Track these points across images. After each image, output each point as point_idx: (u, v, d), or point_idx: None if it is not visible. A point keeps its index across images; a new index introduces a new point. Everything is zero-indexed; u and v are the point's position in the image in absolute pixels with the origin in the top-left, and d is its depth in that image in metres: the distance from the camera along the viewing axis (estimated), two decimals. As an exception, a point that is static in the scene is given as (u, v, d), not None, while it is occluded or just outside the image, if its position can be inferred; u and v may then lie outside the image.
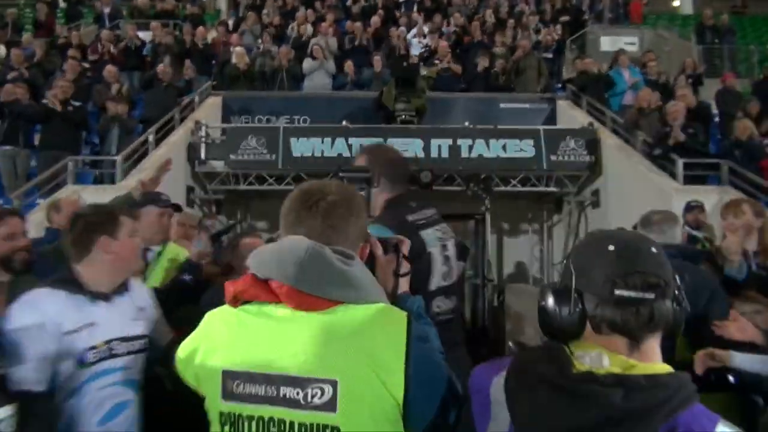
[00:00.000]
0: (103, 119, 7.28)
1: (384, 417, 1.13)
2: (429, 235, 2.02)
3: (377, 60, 9.64)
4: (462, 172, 7.60)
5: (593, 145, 7.51)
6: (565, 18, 12.61)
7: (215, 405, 1.19)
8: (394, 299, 1.39)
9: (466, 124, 7.78)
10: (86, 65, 9.75)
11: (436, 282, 2.01)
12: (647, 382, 0.99)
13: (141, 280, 2.61)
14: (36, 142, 7.22)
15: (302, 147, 7.54)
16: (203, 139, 7.69)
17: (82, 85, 8.39)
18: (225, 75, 9.53)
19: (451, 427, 1.23)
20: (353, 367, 1.11)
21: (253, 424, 1.14)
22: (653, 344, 1.06)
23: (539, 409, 1.04)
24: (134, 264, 2.10)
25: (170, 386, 1.94)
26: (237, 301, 1.22)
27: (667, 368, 1.04)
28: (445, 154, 7.51)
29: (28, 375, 1.73)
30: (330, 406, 1.11)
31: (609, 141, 7.59)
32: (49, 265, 2.40)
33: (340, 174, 1.60)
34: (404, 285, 1.46)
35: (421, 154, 7.50)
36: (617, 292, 1.03)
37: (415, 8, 12.89)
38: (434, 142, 7.54)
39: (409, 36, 11.03)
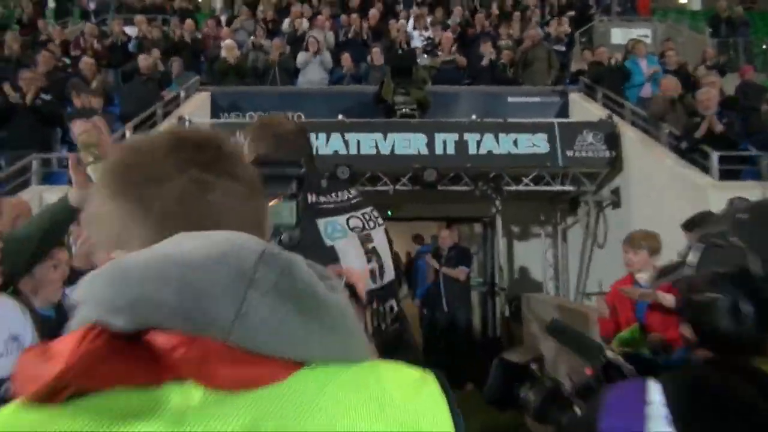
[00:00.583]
0: (68, 113, 6.68)
1: None
2: (335, 223, 1.61)
3: (376, 52, 9.04)
4: (469, 171, 6.97)
5: (613, 139, 6.87)
6: (571, 13, 12.07)
7: None
8: None
9: (473, 117, 7.14)
10: (66, 61, 9.18)
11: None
12: None
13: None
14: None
15: (295, 143, 6.91)
16: (187, 136, 7.06)
17: (58, 79, 7.78)
18: (214, 70, 8.95)
19: None
20: None
21: None
22: None
23: None
24: None
25: None
26: (57, 395, 0.49)
27: None
28: (450, 150, 6.88)
29: None
30: None
31: (630, 134, 6.96)
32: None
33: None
34: None
35: (424, 151, 6.87)
36: None
37: (415, 5, 12.31)
38: (439, 137, 6.91)
39: (409, 28, 10.44)
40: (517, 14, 11.06)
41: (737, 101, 7.38)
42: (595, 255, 7.84)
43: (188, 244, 0.53)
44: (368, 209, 1.75)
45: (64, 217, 1.66)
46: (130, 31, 10.28)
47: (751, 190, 5.16)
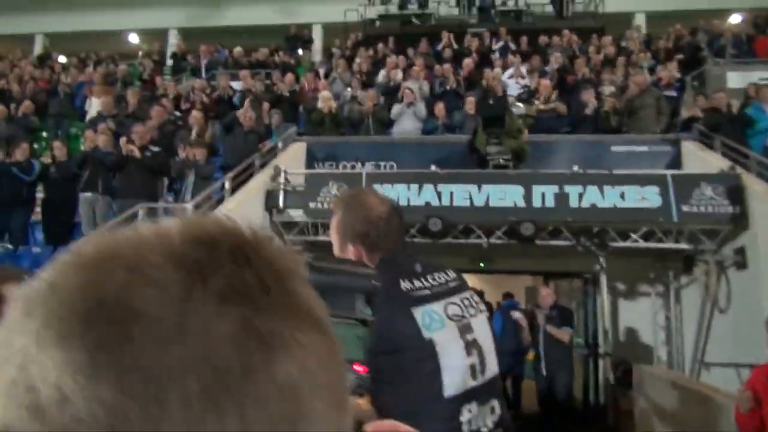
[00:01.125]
0: (176, 164, 7.03)
1: None
2: (432, 312, 1.43)
3: (470, 101, 8.89)
4: (571, 225, 6.52)
5: (736, 193, 6.18)
6: (680, 56, 11.34)
7: None
8: None
9: (575, 168, 6.72)
10: (177, 114, 9.83)
11: (456, 382, 1.38)
12: None
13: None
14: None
15: (387, 194, 6.80)
16: (282, 186, 7.21)
17: (167, 132, 8.30)
18: (311, 121, 9.20)
19: None
20: None
21: None
22: None
23: None
24: None
25: None
26: None
27: None
28: (549, 203, 6.49)
29: None
30: None
31: (756, 187, 6.23)
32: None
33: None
34: None
35: (521, 203, 6.53)
36: None
37: (510, 54, 12.12)
38: (536, 189, 6.55)
39: (504, 77, 10.24)
40: (621, 59, 10.55)
41: None
42: (716, 321, 6.99)
43: None
44: (467, 293, 1.57)
45: None
46: (236, 85, 10.89)
47: None
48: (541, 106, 8.62)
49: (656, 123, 8.09)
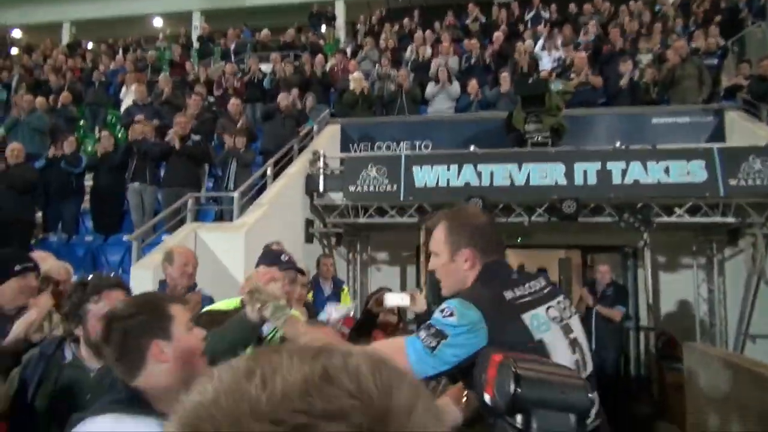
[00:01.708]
0: (222, 154, 7.15)
1: None
2: (537, 316, 1.55)
3: (504, 77, 8.78)
4: (613, 201, 6.47)
5: (786, 165, 6.05)
6: (718, 18, 10.93)
7: None
8: None
9: (617, 144, 6.63)
10: (211, 99, 9.93)
11: None
12: None
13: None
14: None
15: (426, 176, 6.86)
16: (321, 170, 7.29)
17: (206, 120, 8.41)
18: (343, 102, 9.21)
19: None
20: None
21: None
22: None
23: None
24: (200, 366, 1.47)
25: None
26: None
27: None
28: (592, 180, 6.44)
29: None
30: None
31: (806, 159, 6.09)
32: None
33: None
34: None
35: (563, 181, 6.49)
36: None
37: (542, 23, 11.86)
38: (578, 167, 6.49)
39: (536, 49, 10.06)
40: (657, 26, 10.25)
41: None
42: (762, 292, 6.92)
43: None
44: (561, 297, 1.68)
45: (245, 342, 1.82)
46: (265, 68, 10.92)
47: None
48: (579, 80, 8.47)
49: (698, 93, 7.90)
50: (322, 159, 7.34)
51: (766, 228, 6.48)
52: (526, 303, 1.56)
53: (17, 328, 2.37)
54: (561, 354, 1.52)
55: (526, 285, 1.62)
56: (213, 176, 8.25)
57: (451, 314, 1.49)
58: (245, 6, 17.73)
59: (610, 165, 6.41)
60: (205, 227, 5.93)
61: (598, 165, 6.44)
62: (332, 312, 2.99)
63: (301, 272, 2.60)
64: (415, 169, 6.89)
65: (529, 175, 6.60)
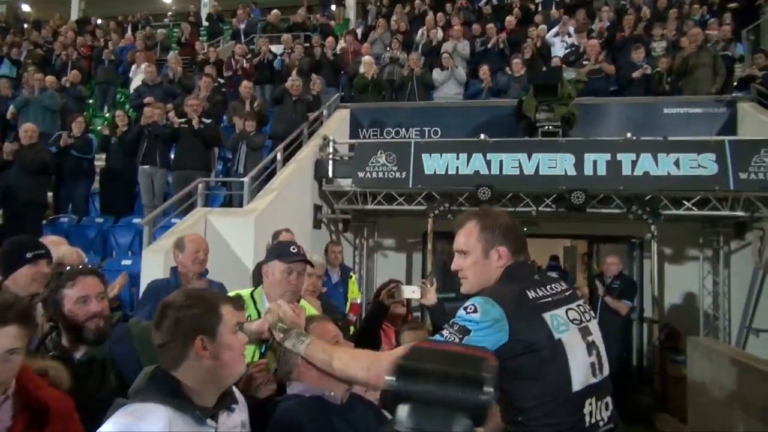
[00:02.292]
0: (232, 137, 7.17)
1: None
2: (557, 317, 1.59)
3: (516, 63, 8.72)
4: (622, 192, 6.47)
5: (798, 160, 6.01)
6: (733, 5, 10.75)
7: None
8: None
9: (629, 135, 6.60)
10: (221, 81, 9.91)
11: (580, 379, 1.55)
12: None
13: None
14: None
15: (435, 164, 6.87)
16: (331, 156, 7.30)
17: (216, 102, 8.41)
18: (354, 87, 9.18)
19: None
20: None
21: None
22: None
23: None
24: (238, 369, 1.53)
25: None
26: None
27: None
28: (601, 171, 6.43)
29: None
30: None
31: (818, 154, 6.04)
32: (127, 341, 2.03)
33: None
34: None
35: (572, 171, 6.49)
36: None
37: (554, 6, 11.71)
38: (588, 158, 6.48)
39: (549, 35, 9.95)
40: (673, 11, 10.10)
41: None
42: (766, 286, 6.94)
43: None
44: (580, 301, 1.73)
45: None
46: (276, 49, 10.87)
47: None
48: (591, 67, 8.39)
49: (712, 83, 7.83)
50: (331, 145, 7.35)
51: (774, 222, 6.48)
52: (547, 303, 1.61)
53: None
54: (579, 355, 1.57)
55: (548, 286, 1.67)
56: (223, 159, 8.29)
57: (475, 311, 1.53)
58: (255, -17, 17.55)
59: (620, 156, 6.40)
60: (215, 212, 5.98)
61: (608, 156, 6.42)
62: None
63: (310, 264, 2.64)
64: (425, 156, 6.90)
65: (538, 164, 6.60)
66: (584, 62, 8.56)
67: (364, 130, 8.66)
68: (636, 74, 8.15)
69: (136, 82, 10.13)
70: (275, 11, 13.28)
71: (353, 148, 7.48)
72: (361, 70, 9.06)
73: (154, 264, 4.94)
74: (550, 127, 7.12)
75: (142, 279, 5.06)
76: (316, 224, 7.25)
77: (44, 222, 6.80)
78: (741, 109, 7.60)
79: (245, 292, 2.62)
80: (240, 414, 1.58)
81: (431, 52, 10.05)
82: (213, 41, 13.73)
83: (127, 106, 10.09)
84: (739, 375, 3.85)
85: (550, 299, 1.63)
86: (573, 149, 6.56)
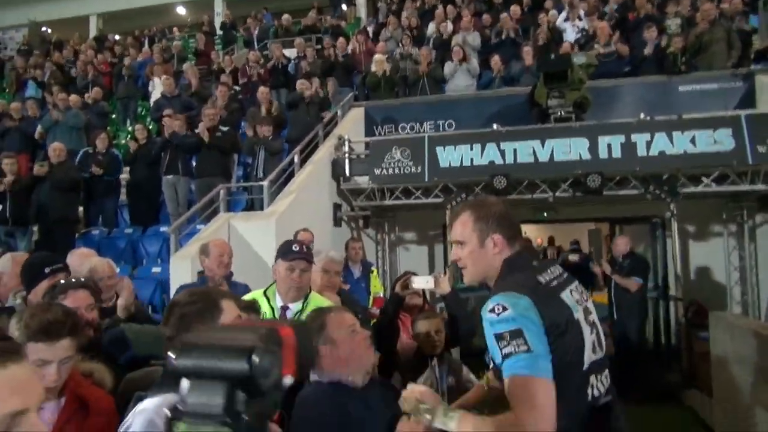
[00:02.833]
0: (248, 142, 7.35)
1: None
2: (568, 298, 1.63)
3: (527, 51, 8.72)
4: (638, 173, 6.45)
5: (817, 129, 5.92)
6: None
7: None
8: None
9: (642, 115, 6.58)
10: (237, 88, 10.12)
11: (587, 357, 1.60)
12: None
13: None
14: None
15: (450, 156, 6.94)
16: (347, 155, 7.44)
17: (233, 110, 8.61)
18: (366, 85, 9.29)
19: None
20: None
21: None
22: None
23: None
24: None
25: None
26: None
27: None
28: (616, 153, 6.43)
29: None
30: None
31: (838, 123, 5.95)
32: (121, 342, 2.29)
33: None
34: None
35: (586, 156, 6.50)
36: None
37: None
38: (602, 141, 6.49)
39: (560, 20, 9.90)
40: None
41: None
42: (794, 259, 6.85)
43: None
44: (576, 283, 1.77)
45: None
46: (289, 53, 11.04)
47: None
48: (601, 50, 8.35)
49: (727, 58, 7.72)
50: (347, 144, 7.48)
51: (798, 194, 6.39)
52: (557, 286, 1.66)
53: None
54: (586, 334, 1.62)
55: (549, 270, 1.72)
56: (242, 165, 8.49)
57: (504, 309, 1.53)
58: (266, -11, 17.77)
59: (634, 137, 6.39)
60: (237, 217, 6.16)
61: (622, 138, 6.42)
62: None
63: (311, 261, 2.80)
64: (439, 149, 6.98)
65: (552, 150, 6.63)
66: (595, 45, 8.51)
67: (379, 127, 8.77)
68: (647, 50, 8.06)
69: (155, 95, 10.41)
70: (286, 15, 13.45)
71: (368, 146, 7.59)
72: (373, 68, 9.17)
73: (182, 270, 5.14)
74: (563, 113, 7.13)
75: (171, 285, 5.27)
76: (337, 222, 7.39)
77: (76, 236, 7.09)
78: (759, 81, 7.49)
79: (257, 293, 2.77)
80: None
81: (442, 46, 10.09)
82: (228, 49, 13.98)
83: (148, 120, 10.40)
84: (760, 347, 3.86)
85: (556, 282, 1.68)
86: (587, 133, 6.57)
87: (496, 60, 8.88)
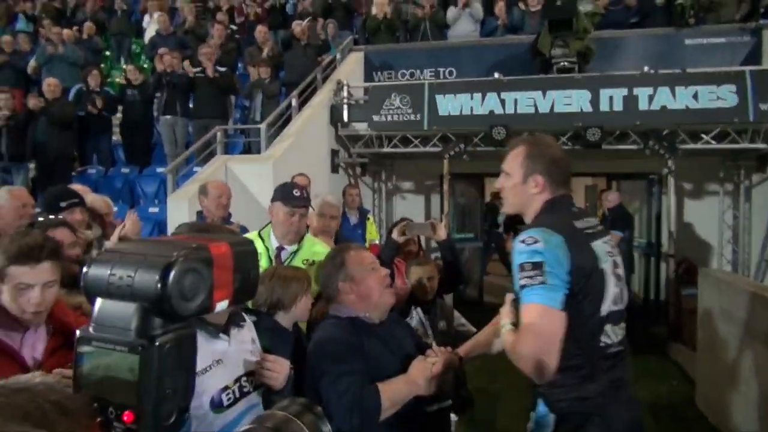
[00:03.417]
0: (247, 85, 7.22)
1: None
2: (599, 247, 1.69)
3: (533, -3, 8.48)
4: (638, 128, 6.41)
5: (822, 88, 5.86)
6: None
7: None
8: None
9: (645, 69, 6.47)
10: (234, 27, 9.86)
11: (607, 306, 1.67)
12: None
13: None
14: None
15: (449, 105, 6.86)
16: (345, 100, 7.33)
17: (229, 49, 8.41)
18: (366, 28, 9.06)
19: None
20: None
21: None
22: None
23: None
24: None
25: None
26: None
27: None
28: (618, 106, 6.36)
29: None
30: None
31: (844, 82, 5.88)
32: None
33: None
34: None
35: (587, 108, 6.44)
36: None
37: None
38: (604, 93, 6.40)
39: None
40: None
41: None
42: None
43: None
44: (609, 237, 1.83)
45: None
46: (288, -9, 10.68)
47: None
48: (610, -1, 8.13)
49: (736, 10, 7.53)
50: (345, 89, 7.37)
51: (796, 154, 6.39)
52: (591, 234, 1.72)
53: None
54: (611, 285, 1.68)
55: (585, 219, 1.77)
56: (240, 107, 8.38)
57: (535, 241, 1.59)
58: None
59: (636, 90, 6.31)
60: (234, 159, 6.13)
61: (624, 91, 6.34)
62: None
63: (310, 206, 2.84)
64: (438, 97, 6.89)
65: (553, 102, 6.55)
66: (604, -8, 8.27)
67: (378, 72, 8.61)
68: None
69: (149, 32, 10.13)
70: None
71: (368, 92, 7.48)
72: (373, 11, 8.91)
73: (180, 210, 5.15)
74: (566, 64, 6.99)
75: (168, 225, 5.30)
76: (334, 168, 7.37)
77: (73, 174, 7.06)
78: (767, 37, 7.34)
79: (253, 234, 2.80)
80: (249, 332, 1.78)
81: (447, -10, 9.79)
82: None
83: (143, 58, 10.16)
84: (745, 302, 3.95)
85: (591, 231, 1.73)
86: (588, 85, 6.48)
87: (500, 7, 8.65)
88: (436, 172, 7.84)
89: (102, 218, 3.56)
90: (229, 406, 1.60)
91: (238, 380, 1.65)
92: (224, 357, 1.62)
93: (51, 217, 2.67)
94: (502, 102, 6.67)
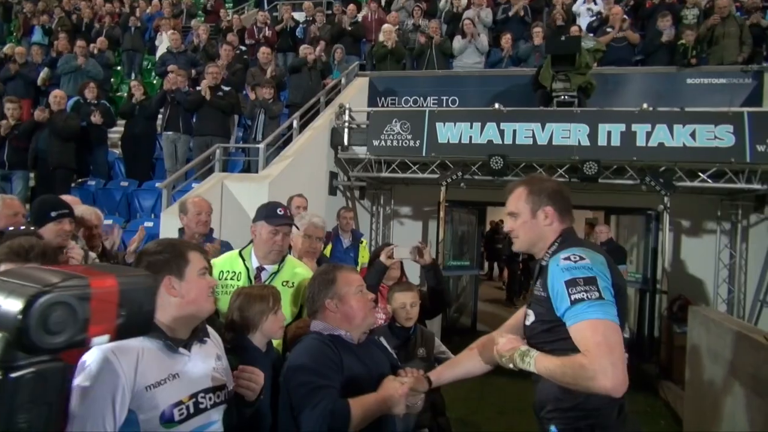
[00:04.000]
0: (249, 105, 7.31)
1: None
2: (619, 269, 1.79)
3: (537, 32, 8.60)
4: (635, 163, 6.44)
5: (819, 132, 5.88)
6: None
7: None
8: None
9: (644, 105, 6.52)
10: (243, 48, 10.03)
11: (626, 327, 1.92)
12: None
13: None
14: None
15: (449, 132, 6.92)
16: (347, 124, 7.41)
17: (236, 70, 8.55)
18: (373, 55, 9.20)
19: None
20: None
21: None
22: None
23: None
24: (205, 306, 1.71)
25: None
26: None
27: None
28: (615, 141, 6.40)
29: None
30: None
31: (841, 126, 5.90)
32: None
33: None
34: None
35: (585, 142, 6.47)
36: None
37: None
38: (602, 128, 6.45)
39: (576, 5, 9.72)
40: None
41: None
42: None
43: None
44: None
45: None
46: (298, 16, 10.91)
47: None
48: (611, 35, 8.22)
49: (738, 53, 7.61)
50: (347, 113, 7.45)
51: (794, 196, 6.38)
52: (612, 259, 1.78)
53: None
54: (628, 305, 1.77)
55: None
56: (243, 126, 8.47)
57: (582, 258, 1.64)
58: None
59: (635, 127, 6.35)
60: (231, 177, 6.18)
61: (622, 127, 6.38)
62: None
63: (296, 226, 2.84)
64: (438, 125, 6.95)
65: (552, 134, 6.60)
66: (608, 29, 8.38)
67: (382, 98, 8.72)
68: (664, 38, 7.92)
69: (161, 50, 10.33)
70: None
71: (369, 117, 7.56)
72: (381, 38, 9.06)
73: (172, 225, 5.16)
74: (566, 97, 7.06)
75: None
76: (332, 191, 7.41)
77: (73, 185, 7.13)
78: (768, 79, 7.40)
79: (234, 253, 2.81)
80: (215, 348, 1.77)
81: (453, 20, 9.94)
82: (238, 8, 13.81)
83: (153, 74, 10.34)
84: (732, 342, 3.91)
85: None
86: (587, 119, 6.53)
87: (507, 38, 8.77)
88: (434, 199, 7.86)
89: (90, 230, 3.59)
90: (181, 421, 1.57)
91: (194, 396, 1.63)
92: (182, 372, 1.61)
93: (22, 227, 2.69)
94: (501, 132, 6.73)
